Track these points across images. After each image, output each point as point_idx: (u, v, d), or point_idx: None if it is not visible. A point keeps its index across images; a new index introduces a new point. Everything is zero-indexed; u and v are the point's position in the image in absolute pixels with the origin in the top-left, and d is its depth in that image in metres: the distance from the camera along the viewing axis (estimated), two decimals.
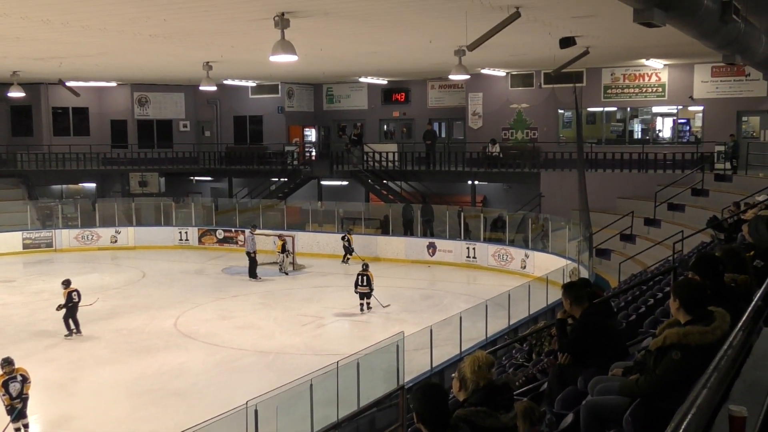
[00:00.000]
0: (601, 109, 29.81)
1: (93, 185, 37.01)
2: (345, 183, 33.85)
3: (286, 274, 25.78)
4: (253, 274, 25.07)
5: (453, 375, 4.64)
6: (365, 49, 20.42)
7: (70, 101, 33.52)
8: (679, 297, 4.59)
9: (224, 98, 36.13)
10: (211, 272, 26.68)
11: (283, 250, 26.15)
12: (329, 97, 36.52)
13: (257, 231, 26.62)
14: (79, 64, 23.43)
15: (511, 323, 17.59)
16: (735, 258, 6.27)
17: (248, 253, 25.37)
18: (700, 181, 24.04)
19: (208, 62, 22.23)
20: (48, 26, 14.86)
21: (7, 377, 12.15)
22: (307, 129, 36.85)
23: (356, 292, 20.51)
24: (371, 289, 20.47)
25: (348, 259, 27.10)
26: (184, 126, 37.03)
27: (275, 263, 26.38)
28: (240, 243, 30.22)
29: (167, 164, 35.96)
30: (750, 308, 4.59)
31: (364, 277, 20.40)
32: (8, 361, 12.24)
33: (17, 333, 18.61)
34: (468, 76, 20.61)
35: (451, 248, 27.17)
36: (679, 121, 29.14)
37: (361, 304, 20.42)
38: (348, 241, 27.12)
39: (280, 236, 26.84)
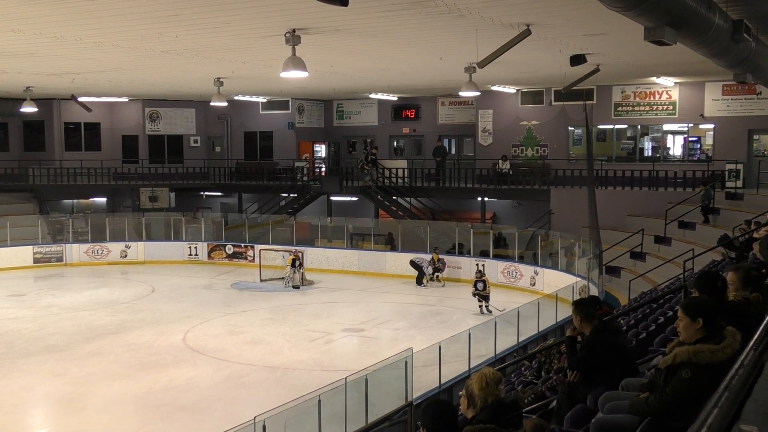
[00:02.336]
0: (611, 126, 29.80)
1: (104, 200, 37.17)
2: (354, 199, 33.88)
3: (297, 288, 25.80)
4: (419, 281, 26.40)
5: (460, 393, 4.61)
6: (376, 65, 20.49)
7: (82, 116, 33.71)
8: (690, 315, 4.57)
9: (235, 114, 36.31)
10: (220, 287, 26.69)
11: (293, 265, 26.17)
12: (339, 113, 36.65)
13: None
14: (92, 79, 23.61)
15: (520, 340, 17.52)
16: (747, 276, 6.24)
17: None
18: (711, 199, 23.95)
19: (219, 78, 22.37)
20: (61, 42, 14.99)
21: None
22: (317, 145, 36.98)
23: (474, 295, 22.28)
24: (487, 292, 22.04)
25: (437, 276, 26.42)
26: (195, 141, 37.20)
27: (284, 278, 26.39)
28: (249, 258, 30.29)
29: (178, 179, 36.12)
30: (762, 327, 4.57)
31: (480, 283, 22.18)
32: None
33: (27, 347, 18.64)
34: (478, 93, 20.67)
35: (460, 265, 27.12)
36: (690, 139, 29.10)
37: (480, 306, 21.92)
38: (441, 261, 26.48)
39: (294, 252, 26.85)
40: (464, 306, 22.78)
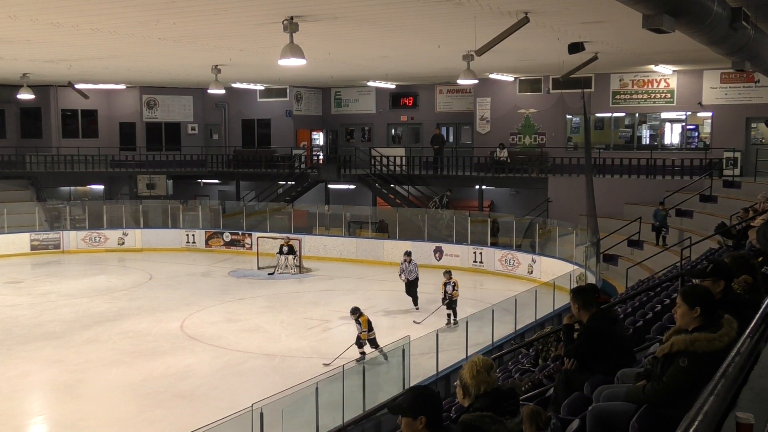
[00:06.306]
0: (609, 114, 29.76)
1: (101, 187, 37.12)
2: (352, 187, 33.88)
3: (271, 274, 25.96)
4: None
5: (455, 383, 4.62)
6: (374, 53, 20.43)
7: (79, 103, 33.64)
8: (688, 303, 4.57)
9: (232, 101, 36.22)
10: (217, 275, 26.71)
11: (280, 251, 26.25)
12: (337, 101, 36.57)
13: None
14: (89, 66, 23.52)
15: (517, 328, 17.55)
16: (744, 264, 6.26)
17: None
18: (709, 187, 23.97)
19: (216, 65, 22.30)
20: (58, 29, 14.92)
21: None
22: (314, 133, 36.90)
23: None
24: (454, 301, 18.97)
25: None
26: (193, 129, 37.12)
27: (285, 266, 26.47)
28: (247, 246, 30.29)
29: (175, 167, 36.05)
30: (758, 315, 4.58)
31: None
32: None
33: (24, 334, 18.65)
34: (476, 81, 20.61)
35: (458, 253, 27.15)
36: (688, 127, 29.07)
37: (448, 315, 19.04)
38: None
39: (285, 239, 26.90)
40: (462, 294, 22.79)
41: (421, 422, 3.81)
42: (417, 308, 20.71)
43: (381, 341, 15.88)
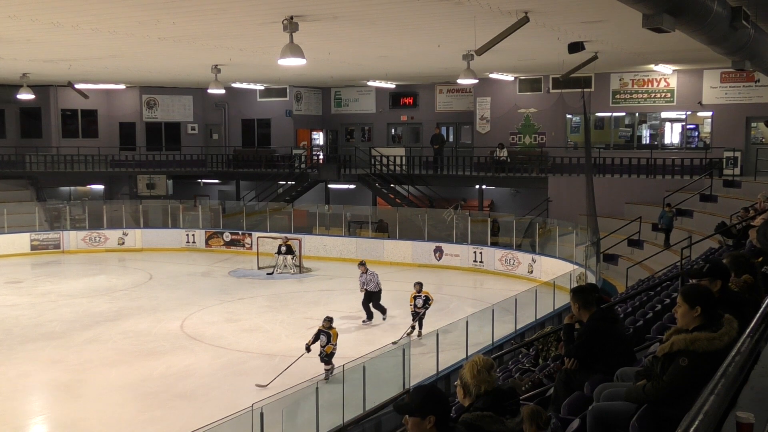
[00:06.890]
0: (609, 114, 29.75)
1: (101, 187, 37.12)
2: (352, 186, 33.88)
3: (270, 274, 25.97)
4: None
5: (455, 383, 4.62)
6: (373, 53, 20.43)
7: (79, 103, 33.65)
8: (689, 302, 4.57)
9: (232, 101, 36.21)
10: (217, 275, 26.71)
11: (279, 251, 26.27)
12: (337, 101, 36.57)
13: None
14: (89, 66, 23.52)
15: (517, 328, 17.55)
16: (744, 264, 6.26)
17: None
18: (709, 186, 23.97)
19: (216, 65, 22.30)
20: (58, 29, 14.91)
21: None
22: (314, 132, 36.92)
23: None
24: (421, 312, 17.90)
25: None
26: (192, 129, 37.11)
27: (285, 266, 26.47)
28: (247, 246, 30.28)
29: (175, 167, 36.05)
30: (758, 315, 4.58)
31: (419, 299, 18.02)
32: None
33: (25, 334, 18.64)
34: (476, 81, 20.61)
35: (458, 252, 27.14)
36: (688, 126, 29.06)
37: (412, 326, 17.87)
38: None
39: (284, 238, 26.92)
40: (462, 294, 22.84)
41: (429, 422, 3.74)
42: (384, 318, 19.53)
43: (381, 341, 15.86)
